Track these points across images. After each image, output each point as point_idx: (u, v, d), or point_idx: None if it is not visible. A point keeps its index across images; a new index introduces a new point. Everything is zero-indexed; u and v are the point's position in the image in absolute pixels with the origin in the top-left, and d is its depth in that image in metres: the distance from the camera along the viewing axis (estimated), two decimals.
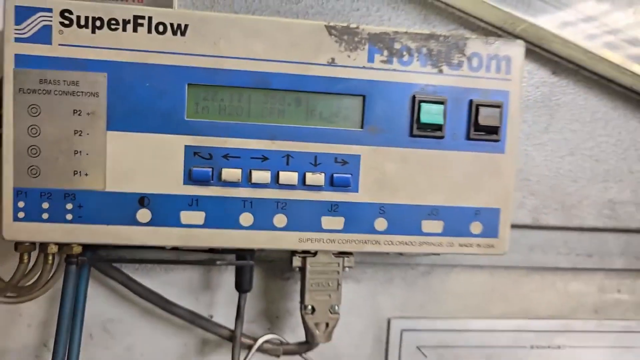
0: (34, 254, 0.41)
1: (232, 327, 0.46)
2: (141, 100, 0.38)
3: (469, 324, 0.53)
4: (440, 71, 0.41)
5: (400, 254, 0.43)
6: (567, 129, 0.50)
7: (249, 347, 0.46)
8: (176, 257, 0.46)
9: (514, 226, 0.51)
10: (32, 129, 0.37)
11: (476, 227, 0.42)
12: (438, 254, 0.45)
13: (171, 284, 0.48)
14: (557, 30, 0.48)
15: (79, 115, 0.38)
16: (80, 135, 0.38)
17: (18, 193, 0.38)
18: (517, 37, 0.47)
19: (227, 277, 0.49)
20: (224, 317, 0.48)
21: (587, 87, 0.50)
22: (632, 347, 0.56)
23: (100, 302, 0.47)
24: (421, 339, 0.52)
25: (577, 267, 0.54)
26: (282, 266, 0.49)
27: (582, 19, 0.48)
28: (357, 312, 0.51)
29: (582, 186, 0.51)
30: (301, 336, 0.45)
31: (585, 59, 0.48)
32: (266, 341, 0.46)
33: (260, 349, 0.46)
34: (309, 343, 0.45)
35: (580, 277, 0.55)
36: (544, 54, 0.49)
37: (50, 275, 0.42)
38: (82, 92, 0.38)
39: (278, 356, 0.46)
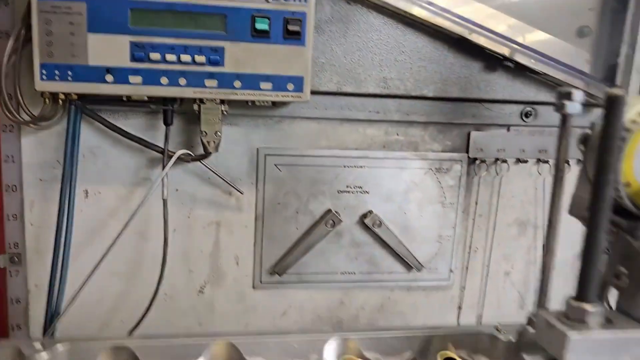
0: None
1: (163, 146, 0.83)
2: (106, 16, 0.73)
3: (306, 152, 0.91)
4: (268, 1, 0.76)
5: (253, 102, 0.80)
6: (356, 35, 0.87)
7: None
8: (129, 105, 0.81)
9: (327, 93, 0.88)
10: (48, 32, 0.72)
11: (291, 86, 0.79)
12: (274, 103, 0.82)
13: (128, 126, 0.84)
14: None
15: (72, 24, 0.72)
16: (73, 35, 0.73)
17: (42, 66, 0.73)
18: None
19: (160, 124, 0.84)
20: (159, 143, 0.84)
21: (368, 11, 0.86)
22: (405, 168, 0.94)
23: (88, 136, 0.83)
24: (277, 160, 0.90)
25: (370, 119, 0.91)
26: (192, 116, 0.84)
27: None
28: (238, 144, 0.88)
29: (366, 69, 0.88)
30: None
31: None
32: (182, 154, 0.83)
33: (179, 158, 0.83)
34: (205, 153, 0.82)
35: (372, 125, 0.92)
36: None
37: (60, 113, 0.78)
38: (73, 12, 0.72)
39: (188, 161, 0.84)
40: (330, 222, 0.92)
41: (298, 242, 0.93)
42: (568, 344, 0.36)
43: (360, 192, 0.94)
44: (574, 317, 0.37)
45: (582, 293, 0.38)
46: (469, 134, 0.96)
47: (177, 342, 0.45)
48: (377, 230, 0.94)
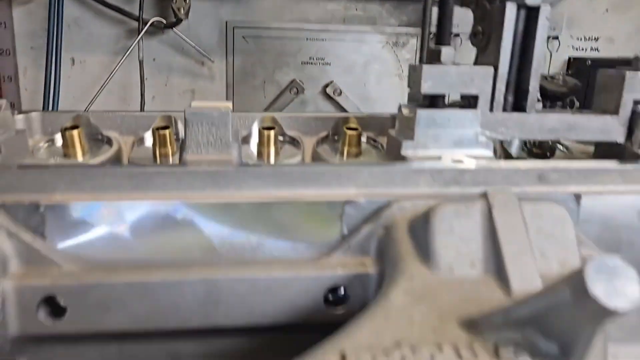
0: None
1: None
2: None
3: (270, 24, 0.99)
4: None
5: None
6: None
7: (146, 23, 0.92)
8: None
9: None
10: None
11: None
12: None
13: None
14: None
15: None
16: None
17: None
18: None
19: None
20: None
21: None
22: (363, 42, 1.03)
23: (72, 7, 0.93)
24: (244, 32, 0.99)
25: None
26: None
27: None
28: (209, 17, 0.97)
29: None
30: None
31: None
32: (155, 20, 0.92)
33: (154, 26, 0.92)
34: (176, 20, 0.92)
35: (332, 0, 1.00)
36: None
37: None
38: None
39: (162, 29, 0.93)
40: (294, 89, 1.02)
41: (266, 109, 1.03)
42: (423, 74, 0.45)
43: (322, 63, 1.03)
44: (431, 58, 0.47)
45: (438, 39, 0.47)
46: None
47: (128, 115, 0.55)
48: (338, 98, 1.04)
